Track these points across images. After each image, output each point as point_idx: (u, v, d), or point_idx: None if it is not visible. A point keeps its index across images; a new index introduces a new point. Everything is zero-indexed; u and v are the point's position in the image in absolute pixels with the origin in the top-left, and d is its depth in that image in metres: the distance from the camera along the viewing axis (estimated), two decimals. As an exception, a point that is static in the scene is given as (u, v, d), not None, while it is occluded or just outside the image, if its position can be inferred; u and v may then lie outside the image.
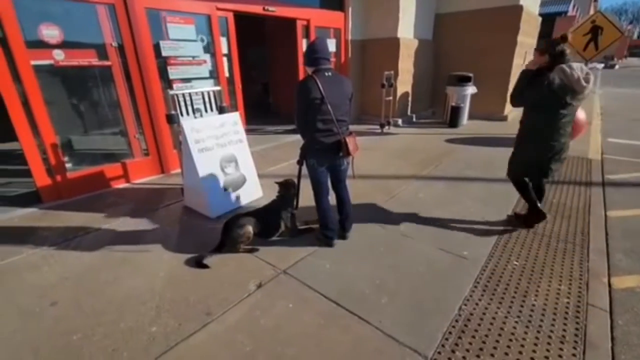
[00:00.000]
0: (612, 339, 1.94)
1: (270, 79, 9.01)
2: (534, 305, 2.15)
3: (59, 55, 3.48)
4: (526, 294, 2.25)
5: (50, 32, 3.41)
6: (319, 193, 2.70)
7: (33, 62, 3.33)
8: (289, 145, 5.79)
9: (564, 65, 2.49)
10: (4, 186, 4.18)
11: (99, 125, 4.12)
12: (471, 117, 7.48)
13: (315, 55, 2.38)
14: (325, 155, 2.55)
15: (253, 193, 3.62)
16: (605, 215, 3.36)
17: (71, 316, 2.10)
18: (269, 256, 2.66)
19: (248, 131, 6.70)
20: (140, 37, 3.91)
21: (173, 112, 3.27)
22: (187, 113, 3.42)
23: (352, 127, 2.71)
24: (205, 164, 3.19)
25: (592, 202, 3.60)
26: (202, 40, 4.55)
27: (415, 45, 7.31)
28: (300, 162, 2.67)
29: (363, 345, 1.87)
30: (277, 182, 2.96)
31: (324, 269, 2.52)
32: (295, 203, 2.91)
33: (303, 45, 6.22)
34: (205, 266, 2.54)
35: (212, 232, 3.00)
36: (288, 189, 2.89)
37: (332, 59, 6.93)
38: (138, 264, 2.62)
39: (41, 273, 2.54)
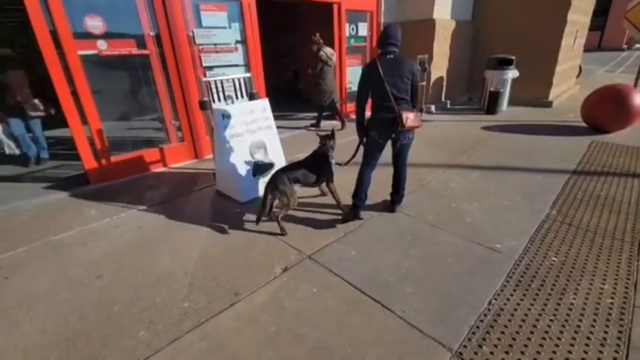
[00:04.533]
0: (662, 344, 1.78)
1: (300, 66, 8.96)
2: (572, 304, 2.03)
3: (102, 45, 3.68)
4: (564, 291, 2.12)
5: (94, 23, 3.60)
6: (365, 163, 2.92)
7: (80, 52, 3.54)
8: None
9: (324, 48, 5.50)
10: (56, 168, 4.56)
11: (139, 112, 4.35)
12: (512, 103, 7.02)
13: (385, 39, 2.66)
14: (384, 129, 2.76)
15: (281, 179, 3.66)
16: (662, 211, 3.05)
17: (114, 289, 2.28)
18: (295, 241, 2.71)
19: (278, 117, 6.80)
20: (175, 25, 4.03)
21: (205, 98, 3.36)
22: (219, 100, 3.50)
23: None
24: (235, 150, 3.27)
25: (647, 196, 3.28)
26: (234, 28, 4.59)
27: (453, 27, 6.92)
28: (361, 138, 2.92)
29: (386, 333, 1.87)
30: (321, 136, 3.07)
31: (349, 255, 2.53)
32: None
33: (341, 29, 6.11)
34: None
35: (241, 216, 3.10)
36: (328, 140, 3.00)
37: (365, 44, 6.76)
38: (173, 244, 2.77)
39: (89, 248, 2.76)
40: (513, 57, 6.52)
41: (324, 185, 3.12)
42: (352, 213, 2.95)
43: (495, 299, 2.07)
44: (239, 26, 4.63)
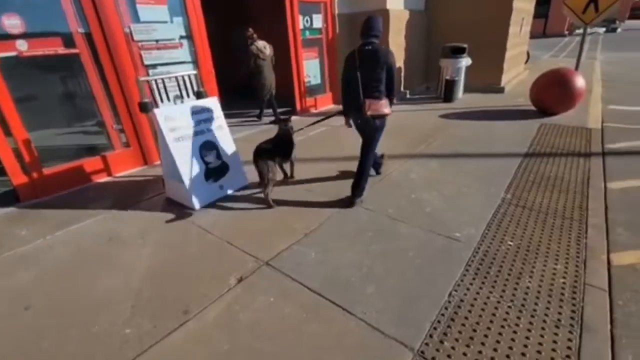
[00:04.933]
0: (612, 321, 1.83)
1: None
2: (528, 287, 2.05)
3: (22, 45, 3.26)
4: (520, 275, 2.14)
5: (12, 22, 3.18)
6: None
7: (-5, 55, 3.12)
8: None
9: (255, 42, 5.57)
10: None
11: (74, 118, 3.94)
12: (467, 90, 7.22)
13: (368, 31, 2.80)
14: (355, 114, 2.99)
15: (238, 181, 3.48)
16: (605, 188, 3.22)
17: (44, 320, 2.01)
18: (252, 247, 2.55)
19: (235, 115, 6.52)
20: (108, 21, 3.66)
21: (146, 100, 3.08)
22: (162, 100, 3.23)
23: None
24: (183, 154, 3.03)
25: (591, 174, 3.45)
26: (177, 22, 4.27)
27: (407, 17, 6.95)
28: (345, 121, 3.20)
29: (347, 338, 1.78)
30: (280, 119, 3.50)
31: (308, 258, 2.41)
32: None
33: (294, 21, 5.94)
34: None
35: (194, 224, 2.89)
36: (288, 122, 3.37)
37: (321, 36, 6.63)
38: (116, 261, 2.51)
39: (17, 275, 2.44)
40: (465, 46, 6.68)
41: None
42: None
43: (456, 290, 2.05)
44: (183, 20, 4.32)
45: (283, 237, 2.65)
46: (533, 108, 5.78)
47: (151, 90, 3.14)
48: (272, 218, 2.96)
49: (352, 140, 4.80)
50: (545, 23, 27.08)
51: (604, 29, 26.55)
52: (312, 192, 3.36)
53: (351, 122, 3.13)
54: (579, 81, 5.24)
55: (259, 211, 3.08)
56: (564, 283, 2.07)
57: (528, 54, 10.30)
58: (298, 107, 6.43)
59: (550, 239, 2.48)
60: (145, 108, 3.06)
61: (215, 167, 3.28)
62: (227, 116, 5.98)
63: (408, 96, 7.57)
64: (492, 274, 2.17)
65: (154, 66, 4.15)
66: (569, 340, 1.71)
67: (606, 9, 5.69)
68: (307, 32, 6.29)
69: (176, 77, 3.30)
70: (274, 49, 5.96)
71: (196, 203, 3.11)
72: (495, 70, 7.25)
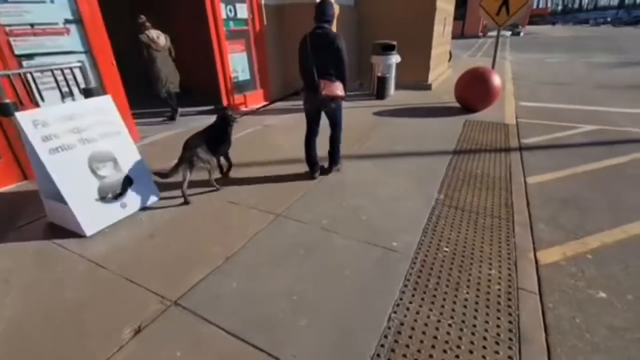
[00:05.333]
0: (545, 327, 1.79)
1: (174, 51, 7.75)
2: (466, 299, 1.93)
3: None
4: (458, 286, 2.03)
5: None
6: (306, 130, 3.37)
7: None
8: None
9: (147, 31, 4.95)
10: None
11: None
12: (398, 87, 7.34)
13: (321, 16, 2.91)
14: (310, 97, 3.10)
15: (145, 196, 2.91)
16: (525, 183, 3.36)
17: None
18: (157, 282, 2.07)
19: (151, 115, 5.73)
20: (-49, -6, 2.78)
21: (7, 100, 2.37)
22: (31, 101, 2.53)
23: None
24: (63, 168, 2.39)
25: (512, 169, 3.59)
26: (59, 2, 3.47)
27: (337, 12, 6.78)
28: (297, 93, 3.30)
29: (273, 394, 1.46)
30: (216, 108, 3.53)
31: (229, 289, 2.03)
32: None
33: (214, 10, 5.35)
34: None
35: (83, 256, 2.30)
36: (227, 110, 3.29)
37: (247, 28, 6.12)
38: (-40, 322, 1.84)
39: None
40: (394, 43, 6.74)
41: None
42: (308, 174, 3.43)
43: (395, 312, 1.85)
44: (68, 1, 3.52)
45: (199, 264, 2.22)
46: (458, 105, 6.03)
47: (14, 86, 2.42)
48: (186, 240, 2.49)
49: (285, 141, 4.48)
50: (463, 25, 29.64)
51: (510, 33, 29.95)
52: (238, 204, 2.96)
53: (304, 104, 3.20)
54: (497, 80, 5.58)
55: (171, 233, 2.59)
56: (499, 290, 2.00)
57: (450, 53, 10.97)
58: (225, 105, 5.87)
59: (483, 241, 2.44)
60: (5, 111, 2.34)
61: (112, 181, 2.68)
62: (138, 116, 5.26)
63: (342, 93, 7.45)
64: (431, 287, 2.02)
65: (30, 56, 3.32)
66: (510, 357, 1.61)
67: (516, 12, 6.15)
68: (231, 23, 5.74)
69: (52, 71, 2.60)
70: (193, 39, 5.33)
71: (87, 228, 2.49)
72: (422, 67, 7.49)
